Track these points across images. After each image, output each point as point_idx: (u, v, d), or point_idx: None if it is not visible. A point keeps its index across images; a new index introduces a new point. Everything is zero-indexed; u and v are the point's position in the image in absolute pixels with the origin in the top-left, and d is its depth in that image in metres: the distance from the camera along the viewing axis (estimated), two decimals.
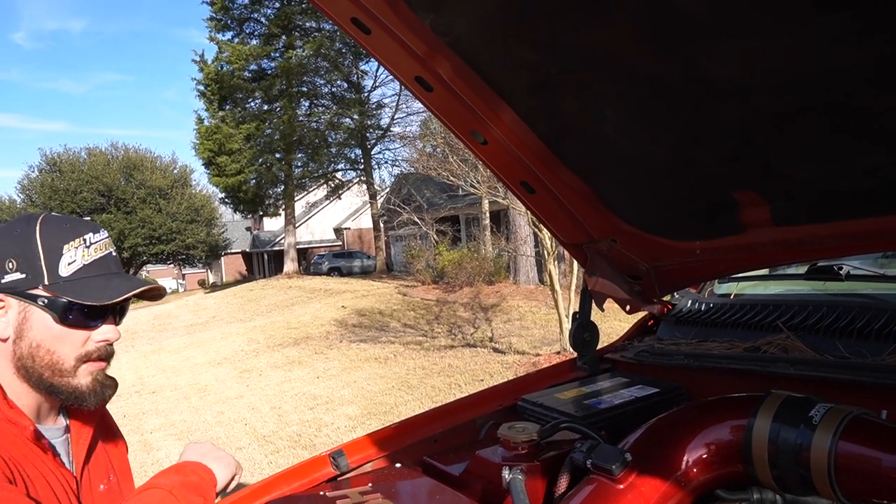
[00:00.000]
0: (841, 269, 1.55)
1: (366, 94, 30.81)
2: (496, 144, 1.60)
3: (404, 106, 28.58)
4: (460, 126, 1.60)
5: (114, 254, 1.28)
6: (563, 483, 1.19)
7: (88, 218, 36.23)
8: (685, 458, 1.13)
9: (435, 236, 20.78)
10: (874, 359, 1.26)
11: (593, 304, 1.88)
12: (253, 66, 29.61)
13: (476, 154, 1.68)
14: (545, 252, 9.62)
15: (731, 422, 1.14)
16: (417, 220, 20.60)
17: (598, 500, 1.09)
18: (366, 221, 38.35)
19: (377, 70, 30.20)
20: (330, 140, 30.61)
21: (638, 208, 1.63)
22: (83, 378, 1.22)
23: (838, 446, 0.99)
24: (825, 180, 1.28)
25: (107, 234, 1.29)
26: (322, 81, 30.70)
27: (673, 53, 1.16)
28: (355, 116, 29.65)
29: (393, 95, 29.87)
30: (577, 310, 1.88)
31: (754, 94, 1.16)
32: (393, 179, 30.43)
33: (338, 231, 43.69)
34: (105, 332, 1.24)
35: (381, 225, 30.93)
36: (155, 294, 1.31)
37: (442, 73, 1.49)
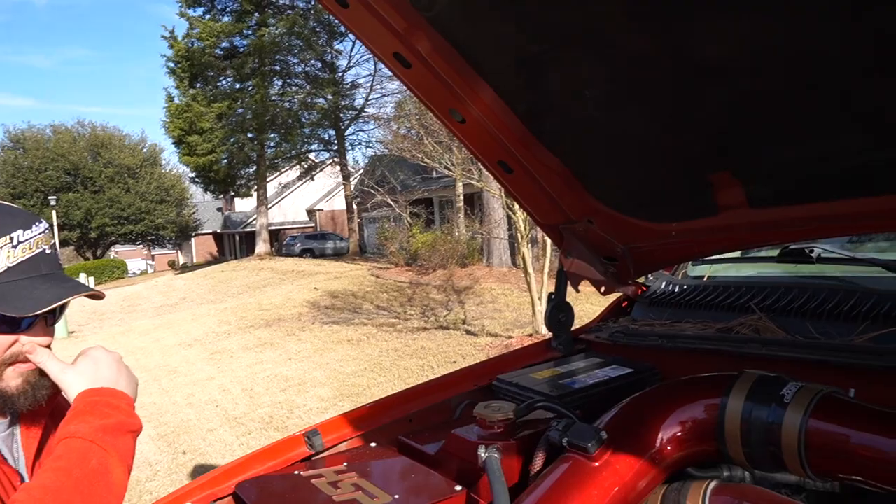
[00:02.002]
0: (812, 251, 1.57)
1: (340, 74, 30.47)
2: (474, 123, 1.59)
3: (379, 87, 28.35)
4: (439, 104, 1.59)
5: (48, 251, 1.17)
6: (538, 461, 1.20)
7: (54, 198, 35.48)
8: (659, 436, 1.14)
9: (409, 218, 20.73)
10: (843, 339, 1.28)
11: (569, 286, 1.89)
12: (225, 44, 29.07)
13: (454, 133, 1.67)
14: (518, 235, 9.65)
15: (704, 401, 1.15)
16: (391, 202, 20.52)
17: (573, 478, 1.10)
18: (339, 203, 38.09)
19: (352, 49, 29.90)
20: (303, 120, 30.26)
21: (615, 189, 1.64)
22: (11, 381, 1.13)
23: (808, 424, 1.01)
24: (801, 163, 1.29)
25: (42, 229, 1.17)
26: (295, 60, 30.26)
27: (655, 33, 1.16)
28: (329, 96, 29.32)
29: (368, 76, 29.64)
30: (553, 291, 1.88)
31: (734, 75, 1.16)
32: (367, 161, 30.24)
33: (311, 212, 43.35)
34: (33, 337, 1.14)
35: (355, 206, 30.75)
36: (93, 297, 1.20)
37: (421, 49, 1.47)
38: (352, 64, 30.62)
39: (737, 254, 1.88)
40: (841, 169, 1.25)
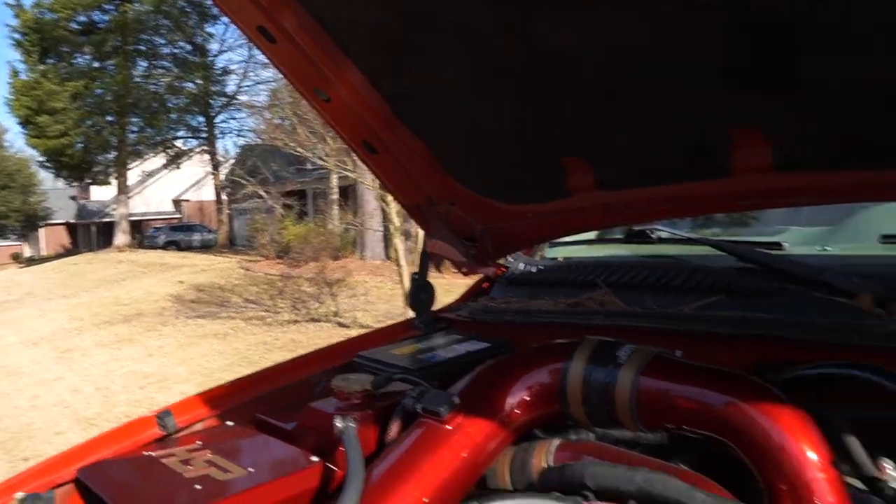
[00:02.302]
0: (653, 233, 1.71)
1: (211, 59, 29.15)
2: (340, 102, 1.59)
3: (253, 74, 27.42)
4: (304, 82, 1.57)
5: None
6: (394, 429, 1.23)
7: None
8: (508, 400, 1.20)
9: (281, 210, 20.23)
10: (675, 309, 1.41)
11: (430, 267, 1.93)
12: (82, 18, 26.95)
13: (319, 112, 1.66)
14: (392, 227, 9.69)
15: (549, 366, 1.22)
16: (263, 194, 19.93)
17: (427, 442, 1.14)
18: (207, 193, 36.44)
19: (224, 33, 28.67)
20: (170, 105, 28.72)
21: (475, 172, 1.70)
22: None
23: (640, 382, 1.10)
24: (644, 149, 1.40)
25: None
26: (163, 41, 28.65)
27: (510, 20, 1.22)
28: (198, 81, 28.00)
29: (241, 62, 28.56)
30: (415, 272, 1.93)
31: (584, 63, 1.25)
32: (238, 150, 29.16)
33: (177, 203, 41.21)
34: None
35: (225, 197, 29.57)
36: None
37: (287, 25, 1.45)
38: (224, 48, 29.37)
39: (590, 236, 2.01)
40: (679, 155, 1.36)
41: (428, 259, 1.92)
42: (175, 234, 32.93)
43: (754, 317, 1.28)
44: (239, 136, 29.90)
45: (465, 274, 2.04)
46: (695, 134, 1.31)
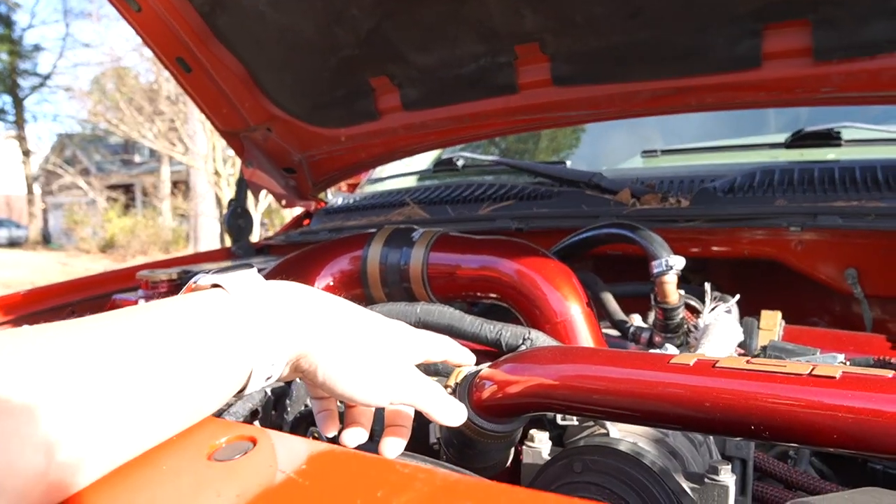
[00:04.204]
0: (457, 160, 1.86)
1: (20, 33, 26.38)
2: (150, 12, 1.57)
3: (71, 54, 25.15)
4: None
5: None
6: None
7: None
8: (315, 286, 1.27)
9: (105, 203, 18.78)
10: (471, 213, 1.55)
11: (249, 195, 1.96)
12: None
13: (129, 22, 1.63)
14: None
15: (350, 254, 1.31)
16: (83, 185, 18.40)
17: None
18: (17, 185, 32.92)
19: (35, 5, 26.07)
20: None
21: (291, 94, 1.74)
22: None
23: (429, 257, 1.21)
24: (441, 68, 1.52)
25: None
26: None
27: None
28: (3, 56, 25.23)
29: (56, 39, 26.07)
30: (233, 198, 1.94)
31: None
32: (55, 138, 26.62)
33: None
34: None
35: (38, 189, 26.88)
36: None
37: None
38: (34, 23, 26.66)
39: (405, 170, 2.13)
40: (472, 73, 1.51)
41: (246, 187, 1.93)
42: None
43: (536, 212, 1.44)
44: (55, 121, 27.27)
45: (285, 206, 2.08)
46: (484, 52, 1.46)
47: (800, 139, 1.49)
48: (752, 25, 1.25)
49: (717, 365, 0.51)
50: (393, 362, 0.55)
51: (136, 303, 1.25)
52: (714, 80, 1.34)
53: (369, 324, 0.57)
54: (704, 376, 0.51)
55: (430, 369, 0.86)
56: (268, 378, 0.51)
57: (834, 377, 0.48)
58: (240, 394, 0.51)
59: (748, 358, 0.52)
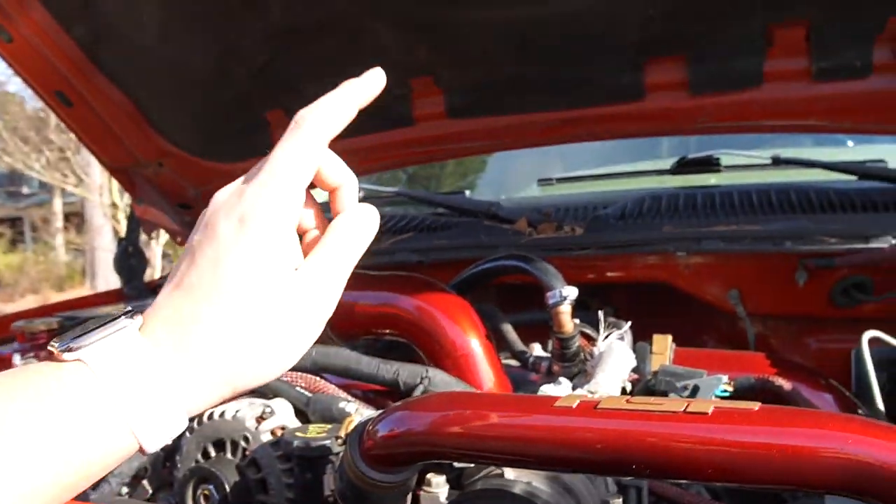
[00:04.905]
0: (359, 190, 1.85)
1: None
2: (25, 44, 1.48)
3: None
4: None
5: None
6: None
7: None
8: None
9: None
10: (370, 247, 1.54)
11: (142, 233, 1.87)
12: None
13: (1, 54, 1.54)
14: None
15: None
16: None
17: None
18: None
19: None
20: None
21: (184, 129, 1.69)
22: None
23: None
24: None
25: None
26: None
27: None
28: None
29: None
30: (123, 237, 1.85)
31: (272, 7, 1.33)
32: None
33: None
34: None
35: None
36: None
37: None
38: None
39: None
40: (370, 105, 1.50)
41: (137, 224, 1.85)
42: None
43: (436, 244, 1.45)
44: None
45: (180, 244, 2.00)
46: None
47: (683, 166, 1.57)
48: (634, 59, 1.31)
49: (598, 406, 0.52)
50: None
51: (10, 357, 1.17)
52: (601, 112, 1.40)
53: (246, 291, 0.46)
54: (586, 418, 0.52)
55: (326, 415, 0.84)
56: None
57: (706, 413, 0.50)
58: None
59: (627, 397, 0.53)
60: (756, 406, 0.49)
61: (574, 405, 0.53)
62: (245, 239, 0.46)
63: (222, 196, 0.50)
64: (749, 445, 0.48)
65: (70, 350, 0.42)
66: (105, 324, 0.44)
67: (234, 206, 0.48)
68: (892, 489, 0.43)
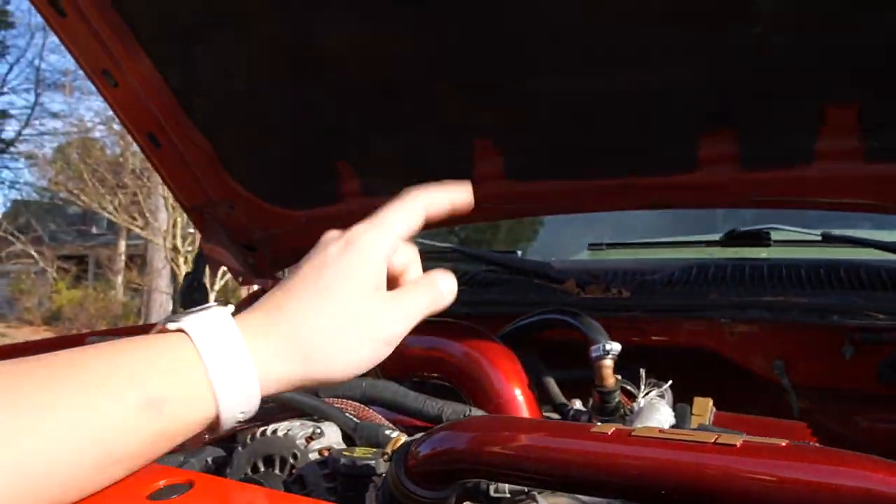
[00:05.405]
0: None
1: None
2: (128, 89, 1.63)
3: (38, 122, 25.04)
4: (92, 62, 1.59)
5: None
6: None
7: None
8: None
9: (55, 273, 18.33)
10: None
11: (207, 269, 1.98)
12: None
13: (104, 96, 1.69)
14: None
15: None
16: (34, 254, 17.97)
17: None
18: None
19: (7, 74, 26.07)
20: None
21: (256, 174, 1.80)
22: None
23: None
24: (401, 157, 1.61)
25: None
26: None
27: (286, 19, 1.39)
28: None
29: (24, 107, 25.94)
30: (189, 271, 1.95)
31: (350, 66, 1.44)
32: (9, 204, 26.09)
33: None
34: None
35: None
36: None
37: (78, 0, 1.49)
38: (6, 89, 26.55)
39: None
40: (434, 164, 1.59)
41: (204, 261, 1.95)
42: None
43: (486, 298, 1.50)
44: (13, 188, 26.71)
45: (242, 284, 2.10)
46: (446, 144, 1.55)
47: (733, 238, 1.60)
48: (689, 133, 1.36)
49: (632, 434, 0.56)
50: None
51: None
52: (656, 181, 1.44)
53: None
54: (621, 444, 0.56)
55: (372, 440, 0.88)
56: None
57: (735, 445, 0.53)
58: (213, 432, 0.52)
59: (660, 428, 0.56)
60: (784, 442, 0.52)
61: (609, 432, 0.57)
62: (346, 256, 0.59)
63: (334, 231, 0.64)
64: (775, 478, 0.50)
65: (173, 322, 0.52)
66: (204, 309, 0.53)
67: (343, 235, 0.62)
68: None
